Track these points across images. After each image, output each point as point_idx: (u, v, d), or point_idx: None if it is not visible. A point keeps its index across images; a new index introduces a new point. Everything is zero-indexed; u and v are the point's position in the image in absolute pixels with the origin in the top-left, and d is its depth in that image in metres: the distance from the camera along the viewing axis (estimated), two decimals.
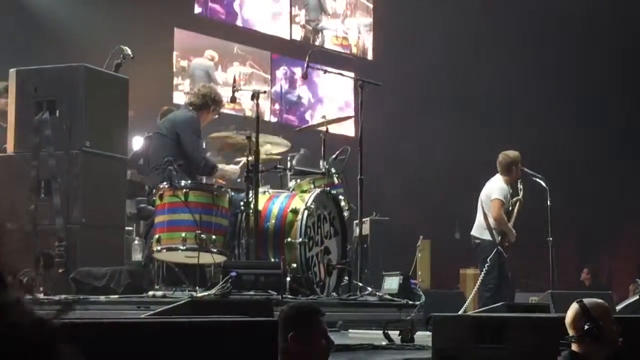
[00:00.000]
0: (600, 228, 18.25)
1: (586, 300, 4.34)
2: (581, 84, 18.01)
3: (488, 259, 9.82)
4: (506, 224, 9.98)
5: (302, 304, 4.19)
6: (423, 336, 6.77)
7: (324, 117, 9.20)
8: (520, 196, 10.17)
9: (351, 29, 19.29)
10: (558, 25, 18.04)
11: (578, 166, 17.87)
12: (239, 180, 8.38)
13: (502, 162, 10.17)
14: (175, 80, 15.95)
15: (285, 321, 3.71)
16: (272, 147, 8.27)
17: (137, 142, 10.29)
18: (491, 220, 10.02)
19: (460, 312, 8.76)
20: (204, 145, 8.17)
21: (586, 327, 4.23)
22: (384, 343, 6.66)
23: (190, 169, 7.94)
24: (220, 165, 8.36)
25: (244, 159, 8.03)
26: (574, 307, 4.34)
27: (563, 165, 16.79)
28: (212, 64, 16.47)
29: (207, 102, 8.24)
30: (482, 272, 9.92)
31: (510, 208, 10.11)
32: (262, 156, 7.82)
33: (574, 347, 4.27)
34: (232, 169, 8.45)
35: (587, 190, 17.71)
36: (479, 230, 10.15)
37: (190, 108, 8.25)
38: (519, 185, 10.22)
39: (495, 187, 10.10)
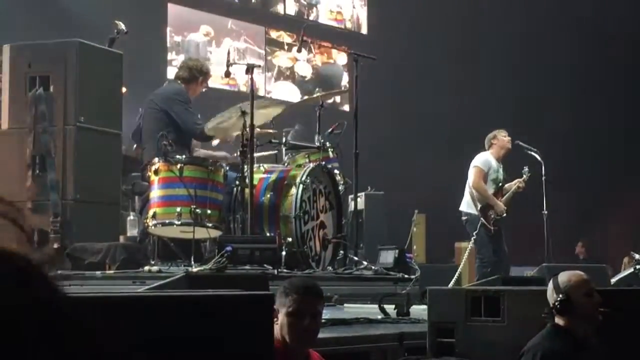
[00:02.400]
0: (596, 201, 18.25)
1: (560, 274, 4.39)
2: (585, 50, 17.90)
3: (474, 234, 9.82)
4: (486, 192, 9.92)
5: (292, 280, 4.19)
6: (419, 310, 6.77)
7: (318, 90, 9.18)
8: (522, 179, 10.17)
9: (345, 3, 19.22)
10: None
11: (573, 138, 17.85)
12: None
13: (486, 137, 10.30)
14: (169, 56, 15.90)
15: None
16: (267, 111, 8.16)
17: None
18: (474, 192, 10.00)
19: (452, 282, 8.74)
20: (198, 115, 8.13)
21: (555, 300, 4.29)
22: (379, 317, 6.67)
23: (185, 140, 7.93)
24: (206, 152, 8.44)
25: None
26: (550, 283, 4.41)
27: (558, 137, 16.77)
28: (206, 39, 16.40)
29: (194, 74, 8.23)
30: (474, 247, 9.94)
31: (501, 184, 10.07)
32: (257, 130, 7.78)
33: (556, 319, 4.33)
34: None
35: (583, 163, 17.71)
36: (467, 205, 10.17)
37: (178, 82, 8.23)
38: (524, 169, 10.23)
39: (477, 158, 10.14)
